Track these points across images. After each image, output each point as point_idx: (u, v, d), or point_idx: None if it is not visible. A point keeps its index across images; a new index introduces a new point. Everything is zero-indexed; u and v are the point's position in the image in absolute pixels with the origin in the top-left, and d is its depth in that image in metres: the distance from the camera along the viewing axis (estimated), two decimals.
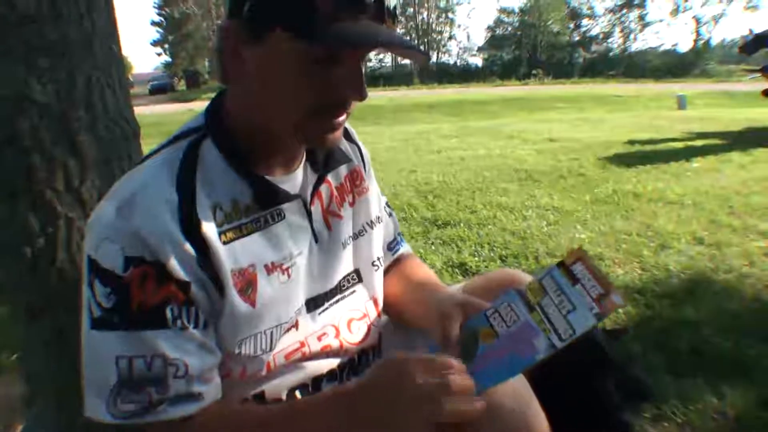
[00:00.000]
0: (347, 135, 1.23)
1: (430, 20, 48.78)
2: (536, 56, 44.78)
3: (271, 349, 0.98)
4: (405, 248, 1.38)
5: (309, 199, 1.06)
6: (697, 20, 44.91)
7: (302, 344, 1.04)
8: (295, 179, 1.05)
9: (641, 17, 47.21)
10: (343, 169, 1.17)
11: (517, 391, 0.94)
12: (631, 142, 7.31)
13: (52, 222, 1.34)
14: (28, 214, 1.33)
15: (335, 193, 1.14)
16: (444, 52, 50.60)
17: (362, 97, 0.91)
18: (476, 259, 3.23)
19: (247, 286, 0.93)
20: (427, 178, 5.48)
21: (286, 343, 1.02)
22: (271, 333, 0.97)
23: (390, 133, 10.07)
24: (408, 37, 47.64)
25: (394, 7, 0.88)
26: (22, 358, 1.50)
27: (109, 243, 0.85)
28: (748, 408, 1.85)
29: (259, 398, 1.02)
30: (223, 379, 0.95)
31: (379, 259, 1.22)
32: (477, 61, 50.78)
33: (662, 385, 1.97)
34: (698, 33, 44.96)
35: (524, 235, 3.63)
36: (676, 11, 45.69)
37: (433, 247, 3.51)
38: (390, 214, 1.34)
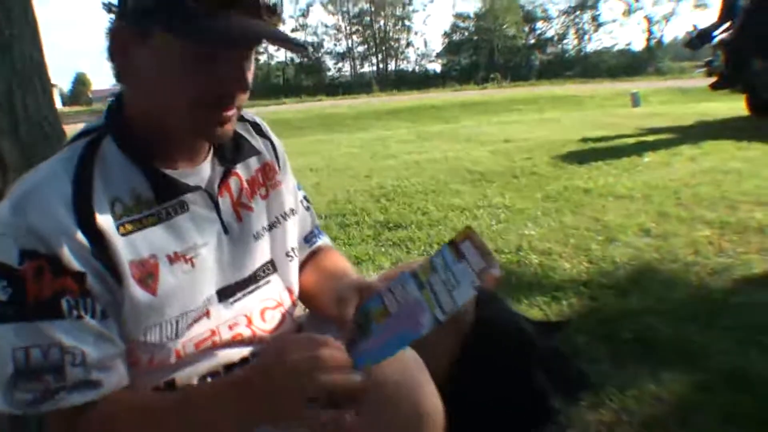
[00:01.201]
0: (259, 130, 1.26)
1: (387, 28, 49.03)
2: (493, 60, 45.25)
3: (177, 337, 1.00)
4: (323, 241, 1.41)
5: (216, 191, 1.09)
6: (649, 19, 45.82)
7: (213, 333, 1.06)
8: (201, 173, 1.08)
9: (594, 18, 47.99)
10: (253, 163, 1.20)
11: (406, 368, 0.96)
12: (584, 140, 7.41)
13: None
14: None
15: (245, 185, 1.17)
16: (402, 59, 50.86)
17: (243, 89, 0.96)
18: (424, 257, 3.21)
19: (148, 275, 0.96)
20: (381, 182, 5.48)
21: (197, 331, 1.04)
22: (177, 321, 1.00)
23: (348, 140, 10.06)
24: (366, 46, 48.42)
25: (274, 4, 0.92)
26: None
27: (4, 238, 0.89)
28: (685, 392, 1.87)
29: (171, 386, 1.03)
30: (132, 366, 0.98)
31: (293, 249, 1.26)
32: (435, 66, 51.23)
33: (603, 374, 1.98)
34: (650, 32, 45.89)
35: None
36: (628, 11, 46.54)
37: (383, 249, 3.51)
38: (308, 208, 1.38)
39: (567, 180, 5.02)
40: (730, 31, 7.78)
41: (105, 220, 0.93)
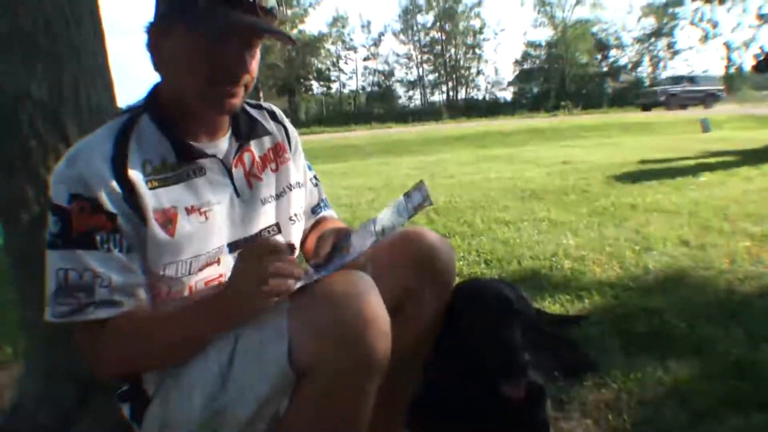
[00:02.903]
0: (274, 116, 1.52)
1: (458, 56, 49.27)
2: (564, 88, 44.86)
3: (190, 274, 1.23)
4: (328, 212, 1.66)
5: (231, 162, 1.34)
6: (728, 46, 44.63)
7: (221, 275, 1.29)
8: (219, 146, 1.34)
9: (670, 45, 47.09)
10: (267, 143, 1.45)
11: (355, 282, 1.13)
12: (643, 162, 7.40)
13: (45, 193, 1.61)
14: (25, 185, 1.68)
15: (258, 160, 1.41)
16: (472, 88, 50.92)
17: (245, 70, 1.21)
18: (460, 263, 3.36)
19: (168, 221, 1.20)
20: (434, 198, 5.60)
21: (207, 273, 1.27)
22: (191, 262, 1.23)
23: (410, 162, 10.27)
24: (437, 74, 48.58)
25: (272, 7, 1.20)
26: (20, 307, 1.79)
27: (59, 185, 1.14)
28: (688, 378, 1.96)
29: None
30: (154, 297, 1.23)
31: (296, 215, 1.48)
32: (506, 95, 51.11)
33: (612, 361, 2.09)
34: (729, 59, 44.66)
35: (513, 243, 3.77)
36: (705, 38, 45.36)
37: None
38: (316, 185, 1.63)
39: (616, 197, 5.07)
40: None
41: (136, 175, 1.17)
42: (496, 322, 1.45)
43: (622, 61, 48.74)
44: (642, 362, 2.07)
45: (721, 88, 34.02)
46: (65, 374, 1.71)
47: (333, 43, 47.36)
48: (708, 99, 32.02)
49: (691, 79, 33.56)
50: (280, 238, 1.42)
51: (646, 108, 31.93)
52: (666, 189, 5.32)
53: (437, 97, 50.49)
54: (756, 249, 3.33)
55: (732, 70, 44.52)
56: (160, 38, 1.20)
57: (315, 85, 47.23)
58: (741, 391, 1.85)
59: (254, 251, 1.12)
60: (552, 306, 2.63)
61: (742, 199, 4.68)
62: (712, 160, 7.34)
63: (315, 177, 1.64)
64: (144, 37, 1.23)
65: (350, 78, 50.37)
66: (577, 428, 1.75)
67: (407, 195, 1.26)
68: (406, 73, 50.71)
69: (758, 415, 1.72)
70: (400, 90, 50.92)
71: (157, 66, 1.25)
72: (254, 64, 1.24)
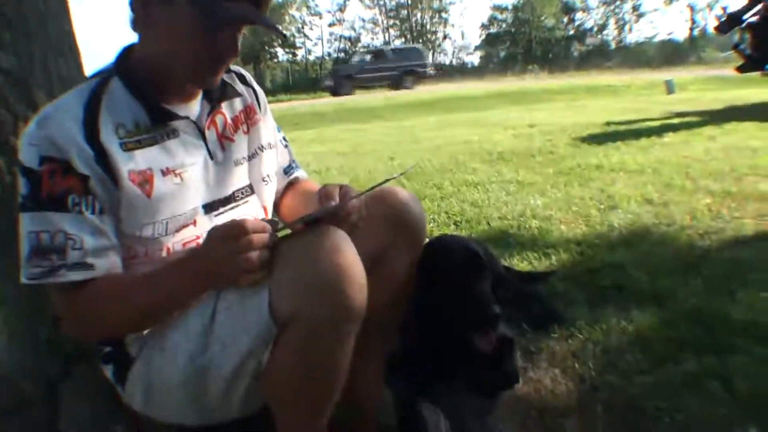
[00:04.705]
0: (243, 79, 1.53)
1: (424, 21, 49.01)
2: (532, 52, 44.93)
3: (167, 234, 1.25)
4: (300, 173, 1.68)
5: (204, 124, 1.34)
6: (692, 8, 45.03)
7: (197, 237, 1.30)
8: (191, 108, 1.34)
9: (635, 8, 47.36)
10: (237, 105, 1.46)
11: (330, 235, 1.16)
12: (608, 124, 7.49)
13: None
14: None
15: (229, 122, 1.42)
16: (440, 53, 50.79)
17: (235, 54, 1.24)
18: (430, 225, 3.41)
19: (144, 181, 1.21)
20: (402, 163, 5.68)
21: (184, 235, 1.29)
22: (167, 223, 1.25)
23: (378, 128, 10.26)
24: (404, 39, 48.30)
25: None
26: None
27: (29, 146, 1.13)
28: (648, 327, 2.05)
29: None
30: (131, 259, 1.24)
31: (268, 176, 1.50)
32: (473, 59, 51.06)
33: (578, 313, 2.16)
34: (693, 21, 45.10)
35: (482, 204, 3.83)
36: (670, 0, 45.73)
37: None
38: (286, 146, 1.65)
39: (582, 158, 5.15)
40: (758, 14, 7.76)
41: (108, 138, 1.17)
42: (465, 276, 1.50)
43: (588, 24, 48.94)
44: (606, 313, 2.15)
45: (426, 62, 29.28)
46: (49, 346, 1.72)
47: (297, 9, 46.75)
48: (404, 78, 27.65)
49: (378, 54, 28.77)
50: (253, 198, 1.45)
51: (334, 93, 27.10)
52: (631, 149, 5.41)
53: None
54: (716, 205, 3.42)
55: (696, 32, 44.94)
56: (155, 3, 1.18)
57: (280, 52, 46.67)
58: (697, 337, 1.94)
59: (224, 230, 1.13)
60: (520, 264, 2.70)
61: (704, 157, 4.78)
62: (676, 120, 7.45)
63: (284, 138, 1.65)
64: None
65: (316, 45, 49.82)
66: (544, 377, 1.81)
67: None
68: (372, 39, 50.38)
69: (712, 357, 1.81)
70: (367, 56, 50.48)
71: (139, 27, 1.24)
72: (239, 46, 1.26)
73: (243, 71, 1.54)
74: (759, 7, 7.91)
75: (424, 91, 25.48)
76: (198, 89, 1.33)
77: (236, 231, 1.10)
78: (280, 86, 39.85)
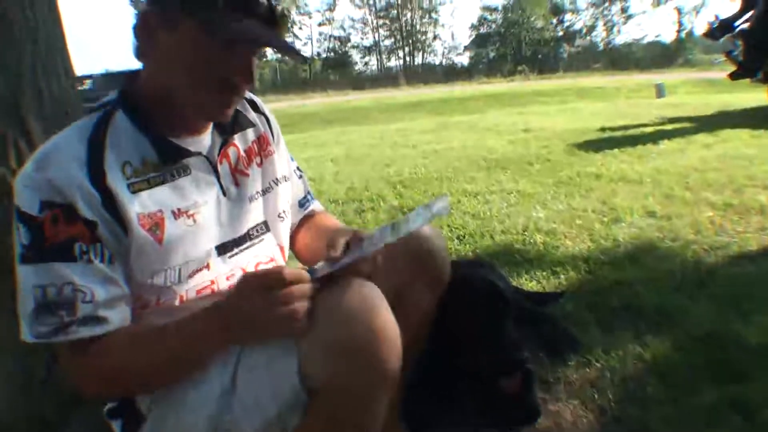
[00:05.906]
0: (254, 106, 1.43)
1: (414, 21, 48.99)
2: (521, 53, 45.03)
3: (180, 282, 1.15)
4: (315, 205, 1.60)
5: (216, 158, 1.25)
6: (679, 11, 45.23)
7: (212, 282, 1.21)
8: (202, 142, 1.25)
9: (624, 10, 47.53)
10: (250, 135, 1.37)
11: (363, 295, 1.08)
12: (603, 129, 7.47)
13: (7, 193, 1.48)
14: None
15: (242, 155, 1.33)
16: (429, 53, 50.84)
17: (249, 81, 1.14)
18: None
19: (155, 226, 1.11)
20: (399, 170, 5.63)
21: (198, 280, 1.19)
22: (180, 269, 1.15)
23: (371, 131, 10.20)
24: (393, 39, 48.36)
25: (282, 14, 1.11)
26: None
27: (27, 190, 1.03)
28: (664, 352, 2.02)
29: None
30: (142, 309, 1.14)
31: (284, 211, 1.42)
32: (463, 60, 51.10)
33: (590, 336, 2.13)
34: (681, 23, 45.29)
35: (483, 216, 3.79)
36: (657, 2, 45.90)
37: None
38: (300, 177, 1.56)
39: (580, 166, 5.12)
40: (750, 21, 7.78)
41: (115, 179, 1.08)
42: (491, 319, 1.45)
43: (578, 26, 49.08)
44: (619, 337, 2.12)
45: None
46: (43, 386, 1.63)
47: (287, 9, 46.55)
48: None
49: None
50: (269, 236, 1.37)
51: None
52: (628, 158, 5.39)
53: (393, 62, 50.31)
54: (719, 219, 3.41)
55: (683, 34, 45.17)
56: (160, 29, 1.09)
57: (269, 51, 46.32)
58: (713, 363, 1.91)
59: (261, 280, 1.05)
60: (529, 283, 2.66)
61: (702, 166, 4.76)
62: (669, 126, 7.44)
63: (298, 168, 1.57)
64: (133, 19, 1.12)
65: (305, 44, 49.60)
66: (564, 410, 1.77)
67: (426, 205, 1.22)
68: (362, 38, 50.34)
69: (733, 386, 1.78)
70: (356, 56, 50.54)
71: (144, 55, 1.15)
72: (256, 74, 1.17)
73: (254, 97, 1.44)
74: (750, 14, 7.93)
75: (414, 92, 25.44)
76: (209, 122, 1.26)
77: (273, 281, 1.02)
78: (268, 86, 39.60)
